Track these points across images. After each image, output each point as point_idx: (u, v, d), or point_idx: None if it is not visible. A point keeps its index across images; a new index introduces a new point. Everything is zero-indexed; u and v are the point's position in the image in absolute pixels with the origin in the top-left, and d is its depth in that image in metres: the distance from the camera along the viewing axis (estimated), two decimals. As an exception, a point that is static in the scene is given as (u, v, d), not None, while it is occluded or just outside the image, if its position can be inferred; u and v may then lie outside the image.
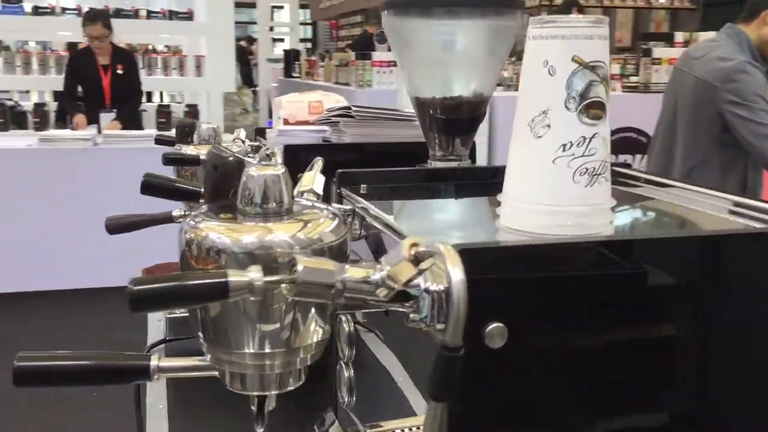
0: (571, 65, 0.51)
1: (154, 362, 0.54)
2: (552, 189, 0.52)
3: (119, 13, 5.13)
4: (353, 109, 1.22)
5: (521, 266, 0.44)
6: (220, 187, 0.67)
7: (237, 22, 9.91)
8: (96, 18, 4.21)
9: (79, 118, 4.25)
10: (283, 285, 0.43)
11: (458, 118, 1.02)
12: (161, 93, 6.50)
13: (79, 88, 4.42)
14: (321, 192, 0.69)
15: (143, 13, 5.27)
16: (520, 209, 0.53)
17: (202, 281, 0.41)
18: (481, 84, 1.03)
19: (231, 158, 0.65)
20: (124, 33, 5.36)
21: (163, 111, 4.96)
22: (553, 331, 0.45)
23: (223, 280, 0.41)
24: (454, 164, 1.02)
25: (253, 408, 0.55)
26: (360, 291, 0.43)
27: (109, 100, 4.35)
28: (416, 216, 0.68)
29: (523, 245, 0.46)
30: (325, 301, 0.43)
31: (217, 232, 0.50)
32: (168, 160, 1.09)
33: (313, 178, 0.69)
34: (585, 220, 0.52)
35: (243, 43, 10.59)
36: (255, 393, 0.55)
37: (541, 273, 0.45)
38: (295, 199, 0.57)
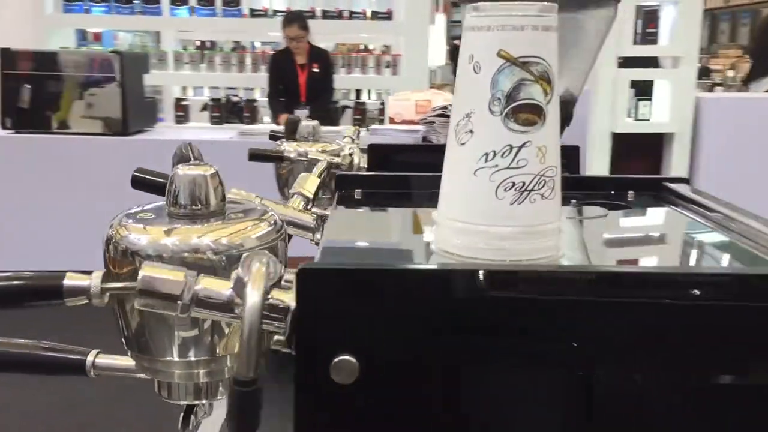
0: (497, 61, 0.43)
1: (90, 358, 0.54)
2: (470, 205, 0.44)
3: (324, 15, 5.40)
4: (449, 108, 1.17)
5: (375, 293, 0.38)
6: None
7: (452, 22, 9.99)
8: (293, 20, 4.46)
9: (283, 118, 4.53)
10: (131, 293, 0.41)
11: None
12: (358, 91, 6.73)
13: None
14: (311, 194, 0.65)
15: (346, 14, 5.48)
16: (443, 226, 0.46)
17: (37, 282, 0.40)
18: (566, 83, 0.94)
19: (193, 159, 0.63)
20: (328, 33, 5.64)
21: (359, 108, 5.17)
22: (413, 369, 0.38)
23: (58, 282, 0.40)
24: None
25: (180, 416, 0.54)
26: (211, 306, 0.40)
27: (305, 97, 4.59)
28: (353, 228, 0.61)
29: (371, 269, 0.40)
30: (172, 313, 0.40)
31: (136, 232, 0.49)
32: (252, 156, 1.11)
33: (307, 180, 0.66)
34: (507, 243, 0.44)
35: (457, 41, 10.65)
36: (182, 402, 0.53)
37: (398, 303, 0.38)
38: (249, 202, 0.54)
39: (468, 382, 0.39)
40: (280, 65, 4.70)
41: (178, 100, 5.65)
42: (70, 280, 0.40)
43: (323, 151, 1.11)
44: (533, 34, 0.43)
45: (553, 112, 0.44)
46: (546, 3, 0.44)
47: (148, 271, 0.40)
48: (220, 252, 0.48)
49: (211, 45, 6.74)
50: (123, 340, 0.52)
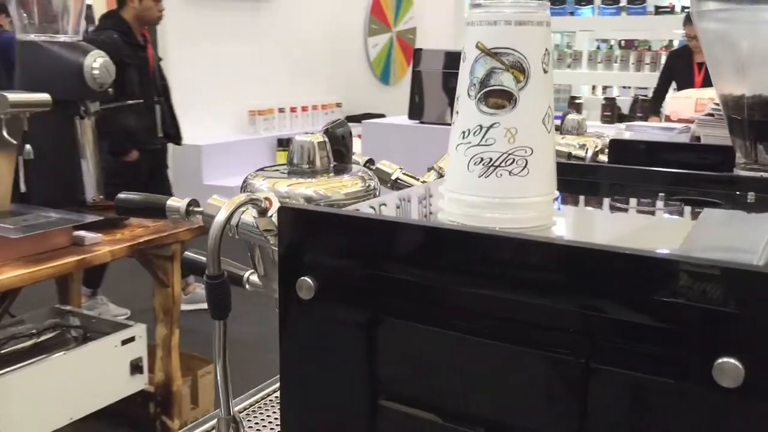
0: (475, 52, 0.49)
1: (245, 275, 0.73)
2: (452, 176, 0.51)
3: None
4: (712, 107, 1.11)
5: (336, 232, 0.49)
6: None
7: None
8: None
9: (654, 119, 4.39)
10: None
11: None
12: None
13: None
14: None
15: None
16: (443, 193, 0.54)
17: (151, 200, 0.59)
18: None
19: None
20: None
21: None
22: (356, 296, 0.48)
23: (163, 202, 0.59)
24: (756, 174, 0.88)
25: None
26: (248, 228, 0.54)
27: (697, 96, 4.35)
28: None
29: (324, 212, 0.49)
30: (227, 233, 0.56)
31: (258, 179, 0.66)
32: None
33: (444, 157, 0.75)
34: (475, 211, 0.50)
35: None
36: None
37: (353, 243, 0.48)
38: (354, 167, 0.67)
39: (397, 305, 0.47)
40: (676, 64, 4.52)
41: (572, 98, 5.76)
42: (171, 202, 0.59)
43: (568, 144, 1.15)
44: (506, 28, 0.48)
45: (528, 98, 0.49)
46: (538, 1, 0.49)
47: (210, 200, 0.57)
48: (311, 198, 0.63)
49: (626, 44, 6.72)
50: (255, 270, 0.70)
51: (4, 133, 1.93)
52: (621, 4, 5.46)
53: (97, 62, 2.21)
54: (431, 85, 4.95)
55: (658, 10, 5.47)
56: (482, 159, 0.50)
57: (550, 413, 0.43)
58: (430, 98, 4.94)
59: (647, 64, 5.58)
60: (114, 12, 3.71)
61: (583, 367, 0.41)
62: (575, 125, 1.30)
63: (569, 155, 1.13)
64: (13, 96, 1.92)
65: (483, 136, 0.49)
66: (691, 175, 0.66)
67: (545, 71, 0.50)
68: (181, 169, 5.94)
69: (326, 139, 0.67)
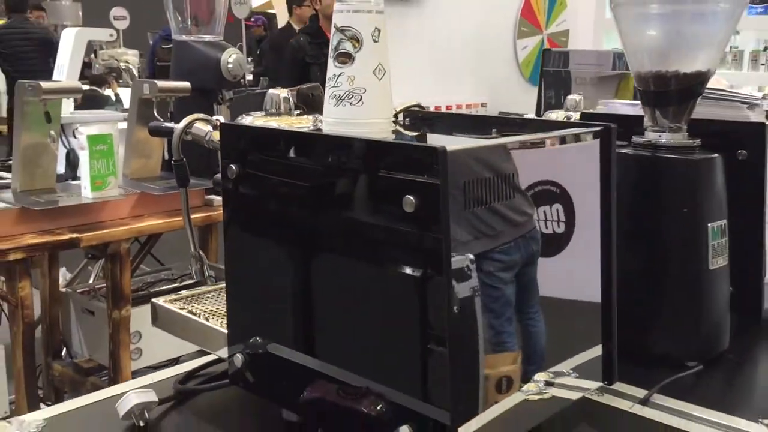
0: (334, 30, 0.81)
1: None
2: (325, 106, 0.83)
3: None
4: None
5: (249, 139, 0.82)
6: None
7: None
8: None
9: None
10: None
11: (671, 91, 1.11)
12: None
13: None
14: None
15: None
16: (326, 120, 0.86)
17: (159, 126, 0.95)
18: (702, 60, 1.09)
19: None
20: None
21: None
22: (256, 179, 0.81)
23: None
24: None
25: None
26: (197, 133, 0.89)
27: None
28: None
29: (236, 125, 0.82)
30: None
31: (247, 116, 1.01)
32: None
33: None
34: (333, 128, 0.81)
35: None
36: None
37: (261, 147, 0.81)
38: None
39: (274, 187, 0.80)
40: None
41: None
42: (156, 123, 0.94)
43: (557, 117, 1.41)
44: (348, 14, 0.79)
45: (361, 58, 0.79)
46: (365, -3, 0.79)
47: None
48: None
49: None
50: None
51: (155, 113, 2.43)
52: (769, 3, 5.31)
53: (231, 57, 2.67)
54: (555, 83, 5.10)
55: (810, 9, 5.26)
56: (335, 95, 0.81)
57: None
58: (556, 97, 5.09)
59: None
60: (314, 15, 4.25)
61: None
62: (574, 104, 1.53)
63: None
64: (161, 83, 2.41)
65: (335, 81, 0.81)
66: (509, 119, 0.93)
67: (375, 41, 0.80)
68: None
69: (290, 95, 1.00)
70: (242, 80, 2.75)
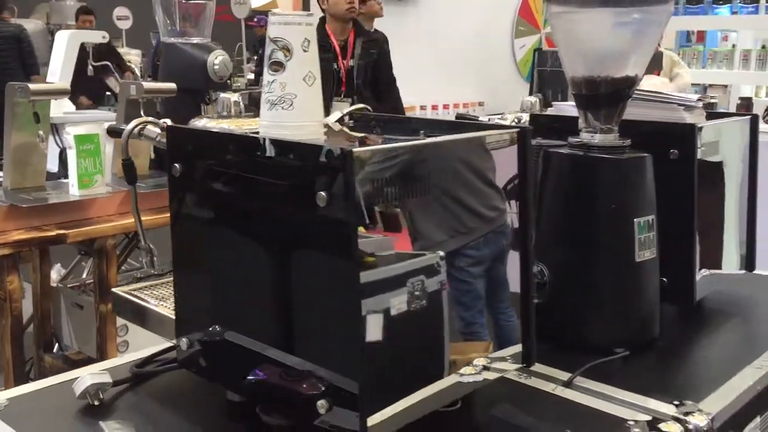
0: (268, 40, 0.88)
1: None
2: (261, 110, 0.91)
3: None
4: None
5: (190, 140, 0.90)
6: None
7: None
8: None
9: None
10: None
11: (601, 95, 1.19)
12: None
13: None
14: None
15: None
16: (264, 122, 0.94)
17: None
18: (631, 66, 1.16)
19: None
20: None
21: None
22: (202, 177, 0.89)
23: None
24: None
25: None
26: (149, 134, 0.97)
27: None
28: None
29: (180, 127, 0.89)
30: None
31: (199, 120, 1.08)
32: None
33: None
34: (267, 130, 0.89)
35: None
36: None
37: (200, 147, 0.89)
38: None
39: (211, 184, 0.88)
40: None
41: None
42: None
43: (505, 117, 1.48)
44: (280, 26, 0.87)
45: (292, 66, 0.87)
46: (300, 13, 0.87)
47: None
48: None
49: None
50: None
51: (142, 113, 2.51)
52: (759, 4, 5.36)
53: (218, 59, 2.75)
54: (552, 82, 5.18)
55: (798, 9, 5.30)
56: (269, 100, 0.89)
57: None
58: (549, 96, 5.16)
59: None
60: (322, 17, 4.23)
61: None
62: (529, 105, 1.61)
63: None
64: (147, 84, 2.50)
65: (269, 87, 0.88)
66: (442, 122, 1.01)
67: (305, 51, 0.88)
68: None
69: (239, 98, 1.08)
70: (229, 81, 2.83)
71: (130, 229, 2.44)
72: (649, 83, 1.45)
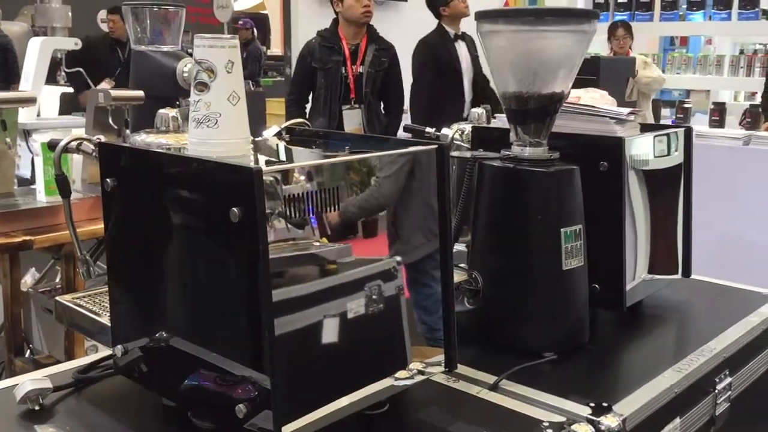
0: (194, 62, 0.93)
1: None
2: (189, 128, 0.95)
3: None
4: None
5: (119, 156, 0.94)
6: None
7: None
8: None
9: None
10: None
11: (530, 110, 1.24)
12: None
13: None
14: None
15: None
16: (194, 139, 0.98)
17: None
18: (558, 83, 1.21)
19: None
20: None
21: None
22: (133, 194, 0.93)
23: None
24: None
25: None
26: (86, 149, 1.01)
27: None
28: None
29: (121, 146, 0.94)
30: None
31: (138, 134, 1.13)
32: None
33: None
34: (195, 147, 0.93)
35: None
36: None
37: (133, 162, 0.93)
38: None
39: (138, 198, 0.92)
40: None
41: (681, 102, 5.80)
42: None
43: (450, 128, 1.53)
44: (204, 49, 0.91)
45: (216, 86, 0.91)
46: (224, 36, 0.92)
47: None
48: (150, 143, 1.08)
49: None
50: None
51: (110, 120, 2.55)
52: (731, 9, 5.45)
53: (187, 67, 2.79)
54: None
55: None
56: (195, 119, 0.93)
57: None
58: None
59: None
60: (335, 19, 4.14)
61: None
62: (476, 117, 1.66)
63: (443, 136, 1.52)
64: (114, 92, 2.53)
65: (195, 106, 0.93)
66: (372, 137, 1.05)
67: (228, 72, 0.92)
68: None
69: (177, 114, 1.12)
70: (198, 88, 2.87)
71: (97, 234, 2.47)
72: (588, 96, 1.49)
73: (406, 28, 7.32)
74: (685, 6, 5.73)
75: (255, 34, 10.13)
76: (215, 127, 0.92)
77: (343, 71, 4.00)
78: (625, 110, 1.38)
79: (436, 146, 0.98)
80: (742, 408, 1.37)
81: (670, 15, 5.78)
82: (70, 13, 8.00)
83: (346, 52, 4.02)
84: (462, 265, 1.31)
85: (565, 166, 1.23)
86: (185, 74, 2.79)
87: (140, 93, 2.60)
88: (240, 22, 9.94)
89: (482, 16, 1.24)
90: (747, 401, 1.38)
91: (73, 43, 3.19)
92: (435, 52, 4.60)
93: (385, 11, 7.36)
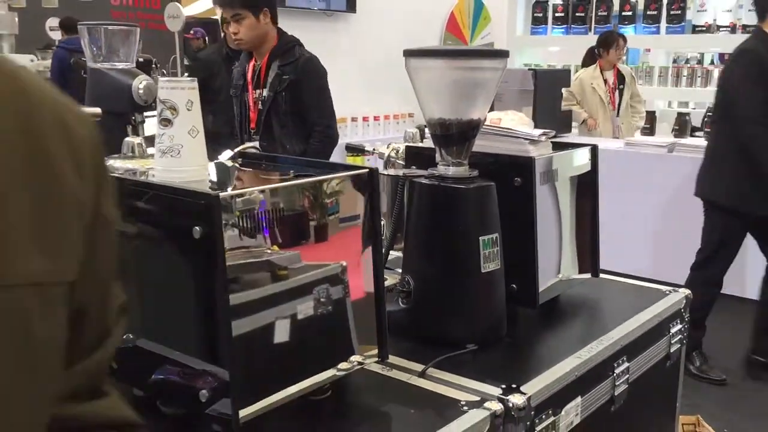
0: (159, 102, 1.09)
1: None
2: (155, 157, 1.11)
3: None
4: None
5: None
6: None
7: None
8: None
9: None
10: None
11: (452, 134, 1.42)
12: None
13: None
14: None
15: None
16: (159, 166, 1.14)
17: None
18: (476, 111, 1.40)
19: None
20: None
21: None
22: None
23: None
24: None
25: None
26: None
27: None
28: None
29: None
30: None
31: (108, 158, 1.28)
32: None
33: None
34: (159, 173, 1.09)
35: None
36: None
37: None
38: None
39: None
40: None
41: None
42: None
43: (386, 147, 1.72)
44: (168, 90, 1.08)
45: (178, 122, 1.08)
46: (177, 80, 1.08)
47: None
48: (116, 168, 1.23)
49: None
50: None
51: (68, 137, 2.67)
52: (660, 24, 5.77)
53: (142, 84, 2.93)
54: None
55: (695, 29, 5.73)
56: (160, 149, 1.09)
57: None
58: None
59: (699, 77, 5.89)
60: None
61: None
62: (411, 136, 1.84)
63: (381, 154, 1.71)
64: (73, 110, 2.65)
65: (160, 139, 1.09)
66: (319, 162, 1.23)
67: (189, 110, 1.09)
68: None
69: (143, 141, 1.27)
70: (153, 104, 3.00)
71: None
72: (508, 118, 1.69)
73: (355, 39, 7.55)
74: (616, 20, 6.05)
75: (207, 42, 10.26)
76: (178, 156, 1.09)
77: (245, 99, 3.48)
78: (538, 132, 1.58)
79: (367, 170, 1.16)
80: (639, 390, 1.58)
81: (603, 28, 6.09)
82: (17, 20, 7.97)
83: (249, 76, 3.47)
84: (399, 269, 1.50)
85: (483, 182, 1.43)
86: (140, 91, 2.93)
87: (97, 110, 2.71)
88: (191, 32, 9.97)
89: (410, 54, 1.42)
90: (643, 384, 1.59)
91: (29, 60, 3.27)
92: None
93: (335, 22, 7.56)
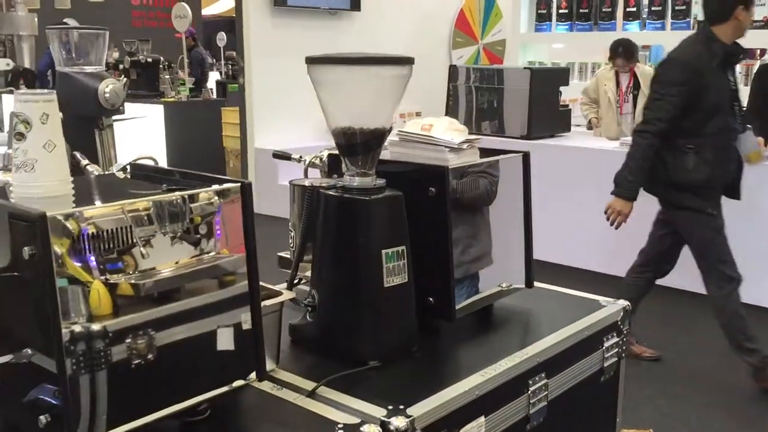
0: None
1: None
2: (12, 172, 1.08)
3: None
4: (399, 132, 1.58)
5: None
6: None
7: None
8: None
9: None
10: None
11: (356, 144, 1.37)
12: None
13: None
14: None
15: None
16: (21, 180, 1.11)
17: None
18: (379, 119, 1.35)
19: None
20: None
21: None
22: None
23: None
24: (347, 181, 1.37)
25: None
26: None
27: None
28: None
29: None
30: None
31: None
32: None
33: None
34: (17, 189, 1.06)
35: None
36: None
37: None
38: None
39: None
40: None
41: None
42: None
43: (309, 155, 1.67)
44: (21, 103, 1.04)
45: (31, 136, 1.04)
46: (33, 91, 1.04)
47: None
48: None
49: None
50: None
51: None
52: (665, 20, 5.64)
53: (108, 87, 2.91)
54: (463, 97, 5.38)
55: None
56: (16, 164, 1.06)
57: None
58: (463, 109, 5.37)
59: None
60: None
61: None
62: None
63: (300, 159, 1.67)
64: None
65: (15, 154, 1.06)
66: (196, 174, 1.19)
67: (43, 123, 1.05)
68: (260, 171, 6.70)
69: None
70: (121, 107, 2.99)
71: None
72: (439, 123, 1.63)
73: (359, 38, 7.50)
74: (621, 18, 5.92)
75: (196, 40, 10.64)
76: (32, 171, 1.05)
77: None
78: (459, 139, 1.52)
79: (240, 184, 1.12)
80: (566, 406, 1.51)
81: (608, 25, 5.97)
82: (36, 21, 8.06)
83: None
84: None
85: (389, 193, 1.37)
86: (107, 95, 2.93)
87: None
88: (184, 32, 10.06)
89: (311, 61, 1.37)
90: (571, 400, 1.53)
91: (5, 64, 3.29)
92: None
93: (339, 21, 7.51)
